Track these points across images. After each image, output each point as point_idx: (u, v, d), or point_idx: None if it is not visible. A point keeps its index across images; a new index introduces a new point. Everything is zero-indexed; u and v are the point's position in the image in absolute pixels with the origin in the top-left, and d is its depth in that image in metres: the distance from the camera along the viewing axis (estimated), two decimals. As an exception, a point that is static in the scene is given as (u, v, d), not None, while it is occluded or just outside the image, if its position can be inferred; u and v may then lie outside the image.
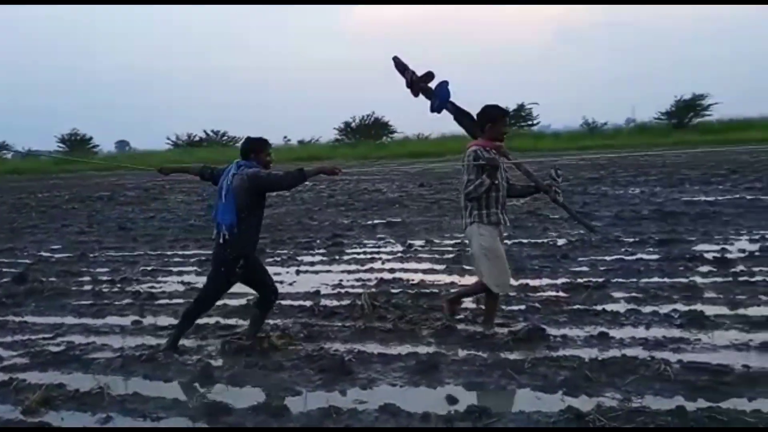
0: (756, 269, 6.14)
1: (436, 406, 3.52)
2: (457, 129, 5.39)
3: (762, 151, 20.63)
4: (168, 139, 45.34)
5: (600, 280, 6.00)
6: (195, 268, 7.56)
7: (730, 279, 5.85)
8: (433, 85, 5.05)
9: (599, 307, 5.17)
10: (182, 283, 6.82)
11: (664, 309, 5.06)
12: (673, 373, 3.72)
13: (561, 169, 4.93)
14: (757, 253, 6.80)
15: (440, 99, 5.06)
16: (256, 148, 4.61)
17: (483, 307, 5.07)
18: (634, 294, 5.55)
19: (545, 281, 6.20)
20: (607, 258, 6.99)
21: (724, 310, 4.99)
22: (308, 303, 5.69)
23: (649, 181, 14.44)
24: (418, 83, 5.09)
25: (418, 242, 8.58)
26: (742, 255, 6.78)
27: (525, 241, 8.23)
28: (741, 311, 4.94)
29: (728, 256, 6.74)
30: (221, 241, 4.42)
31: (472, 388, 3.78)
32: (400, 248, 8.28)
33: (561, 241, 8.11)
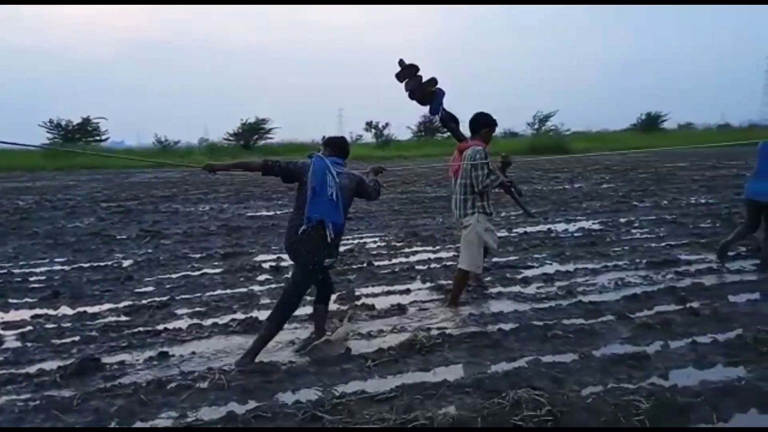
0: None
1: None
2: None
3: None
4: None
5: (164, 298, 5.94)
6: None
7: (283, 285, 6.49)
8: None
9: (161, 327, 5.09)
10: None
11: (224, 319, 5.28)
12: (228, 380, 3.88)
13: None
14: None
15: (440, 104, 5.60)
16: (347, 151, 4.55)
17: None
18: (197, 309, 5.65)
19: (106, 306, 5.80)
20: (174, 275, 6.97)
21: (275, 314, 5.49)
22: None
23: (218, 198, 15.09)
24: (426, 87, 5.54)
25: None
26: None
27: (86, 264, 7.58)
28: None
29: (282, 264, 7.48)
30: (329, 240, 4.23)
31: (6, 442, 3.23)
32: None
33: (127, 263, 7.74)
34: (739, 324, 4.79)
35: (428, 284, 6.37)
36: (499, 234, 9.22)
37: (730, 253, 7.01)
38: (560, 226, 9.65)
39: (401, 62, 5.56)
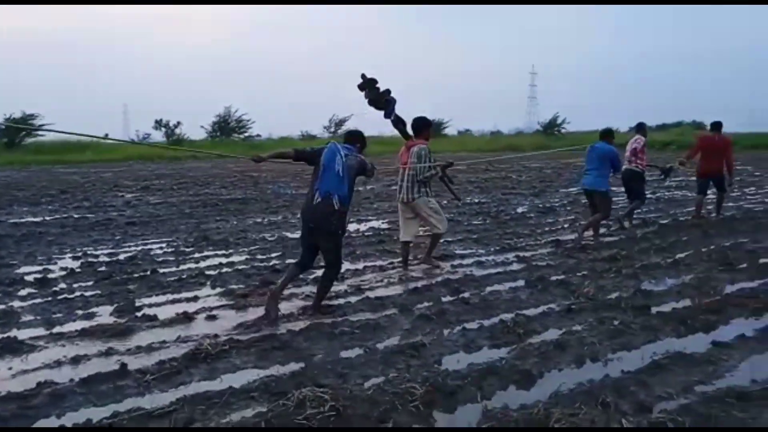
0: (75, 285, 6.32)
1: None
2: None
3: (93, 172, 21.82)
4: None
5: None
6: None
7: (50, 299, 5.82)
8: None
9: None
10: None
11: (-27, 343, 4.58)
12: (-26, 412, 3.37)
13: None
14: (78, 270, 7.01)
15: (393, 110, 6.60)
16: (363, 142, 5.57)
17: None
18: (-62, 333, 4.83)
19: None
20: None
21: (40, 332, 4.90)
22: None
23: (-27, 203, 13.09)
24: (382, 97, 6.47)
25: None
26: (63, 273, 6.86)
27: None
28: (57, 329, 4.96)
29: (50, 276, 6.71)
30: (335, 208, 5.03)
31: None
32: None
33: None
34: (501, 310, 5.37)
35: (218, 290, 6.17)
36: (294, 235, 9.29)
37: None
38: (352, 226, 9.98)
39: (363, 76, 6.43)
